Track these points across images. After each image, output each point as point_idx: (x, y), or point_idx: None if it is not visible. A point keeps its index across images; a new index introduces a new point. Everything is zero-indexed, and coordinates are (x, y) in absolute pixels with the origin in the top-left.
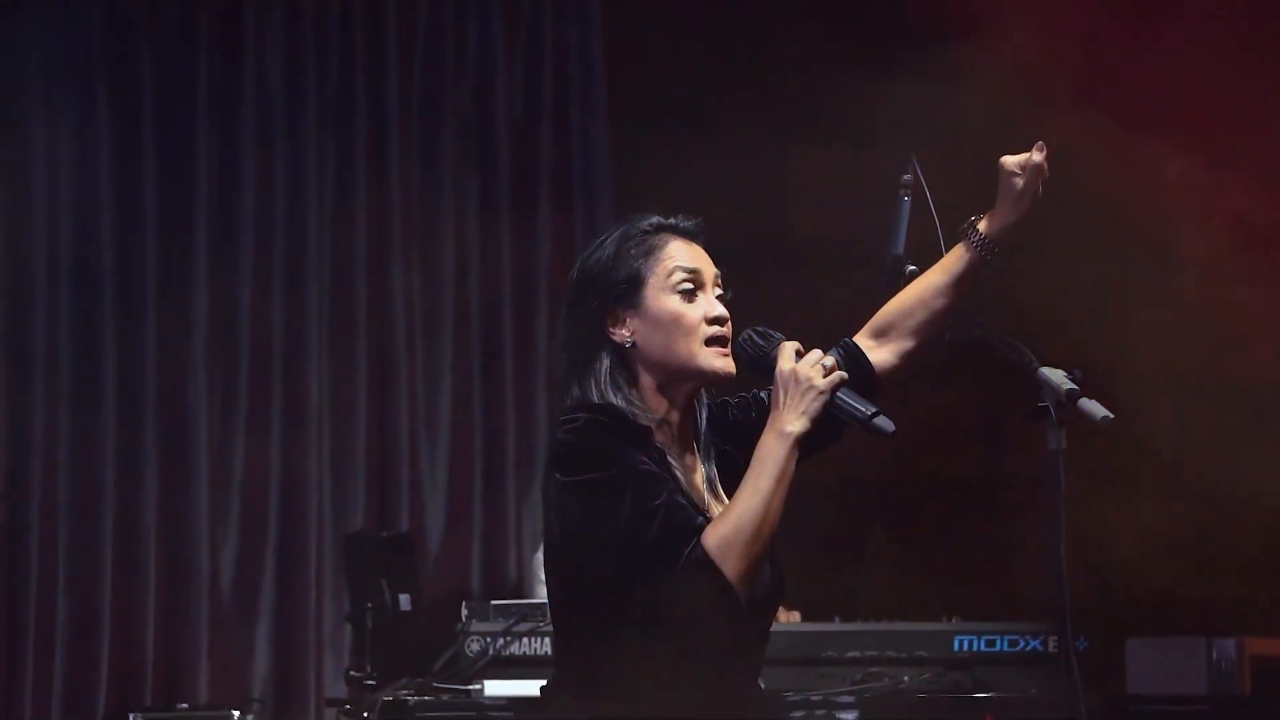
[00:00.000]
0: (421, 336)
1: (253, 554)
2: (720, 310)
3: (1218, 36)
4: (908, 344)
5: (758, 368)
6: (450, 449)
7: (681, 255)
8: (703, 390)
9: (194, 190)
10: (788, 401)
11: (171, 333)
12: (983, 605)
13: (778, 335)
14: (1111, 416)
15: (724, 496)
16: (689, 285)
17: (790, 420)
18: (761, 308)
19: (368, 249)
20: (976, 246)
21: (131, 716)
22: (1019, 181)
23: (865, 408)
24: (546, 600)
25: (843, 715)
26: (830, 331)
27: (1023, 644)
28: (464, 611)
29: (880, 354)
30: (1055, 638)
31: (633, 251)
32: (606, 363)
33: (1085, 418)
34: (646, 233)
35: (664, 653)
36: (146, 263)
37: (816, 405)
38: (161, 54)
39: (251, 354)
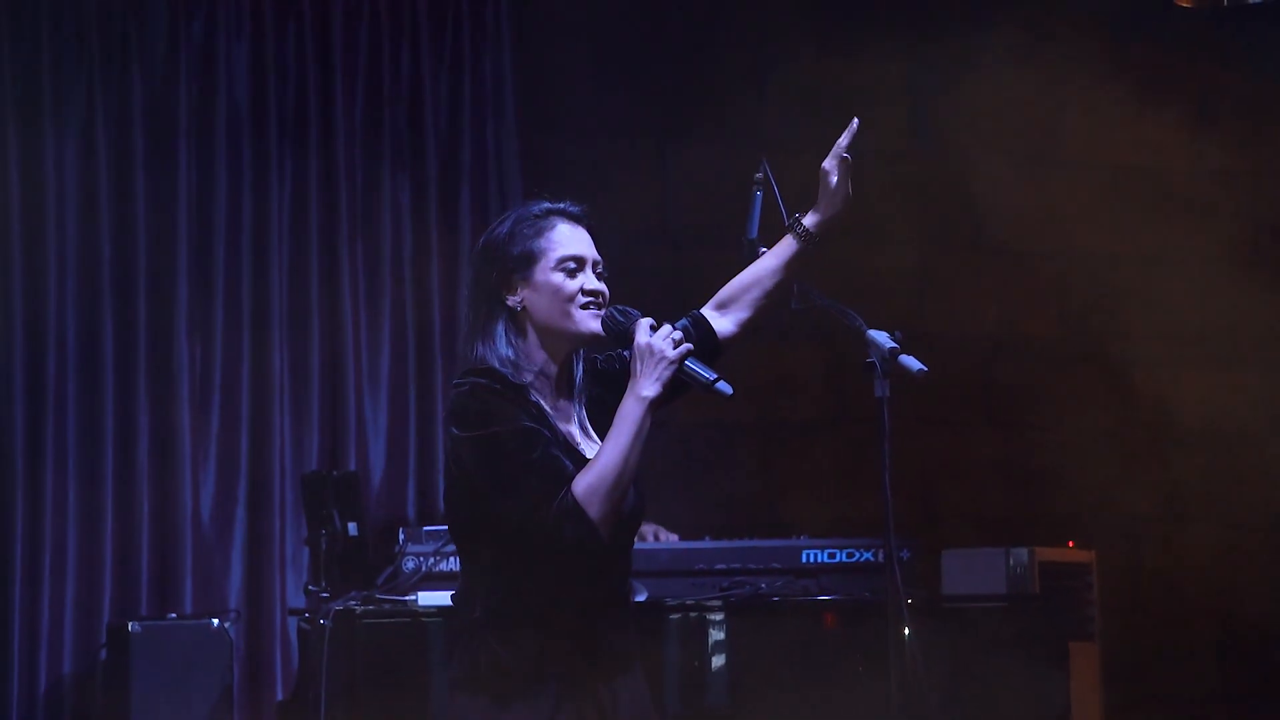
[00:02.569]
0: (365, 310)
1: (228, 490)
2: (595, 285)
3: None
4: (745, 314)
5: (620, 340)
6: (389, 402)
7: (567, 239)
8: (580, 350)
9: (176, 191)
10: (643, 370)
11: (159, 312)
12: (826, 524)
13: (635, 312)
14: (926, 369)
15: (594, 435)
16: (572, 266)
17: (646, 386)
18: (650, 278)
19: (319, 239)
20: (801, 236)
21: (131, 625)
22: (832, 179)
23: (709, 374)
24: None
25: (712, 616)
26: (700, 299)
27: (858, 555)
28: (401, 536)
29: (722, 322)
30: (884, 550)
31: (527, 232)
32: (501, 322)
33: (904, 370)
34: (539, 216)
35: (545, 569)
36: (138, 254)
37: (668, 373)
38: (149, 79)
39: (224, 327)
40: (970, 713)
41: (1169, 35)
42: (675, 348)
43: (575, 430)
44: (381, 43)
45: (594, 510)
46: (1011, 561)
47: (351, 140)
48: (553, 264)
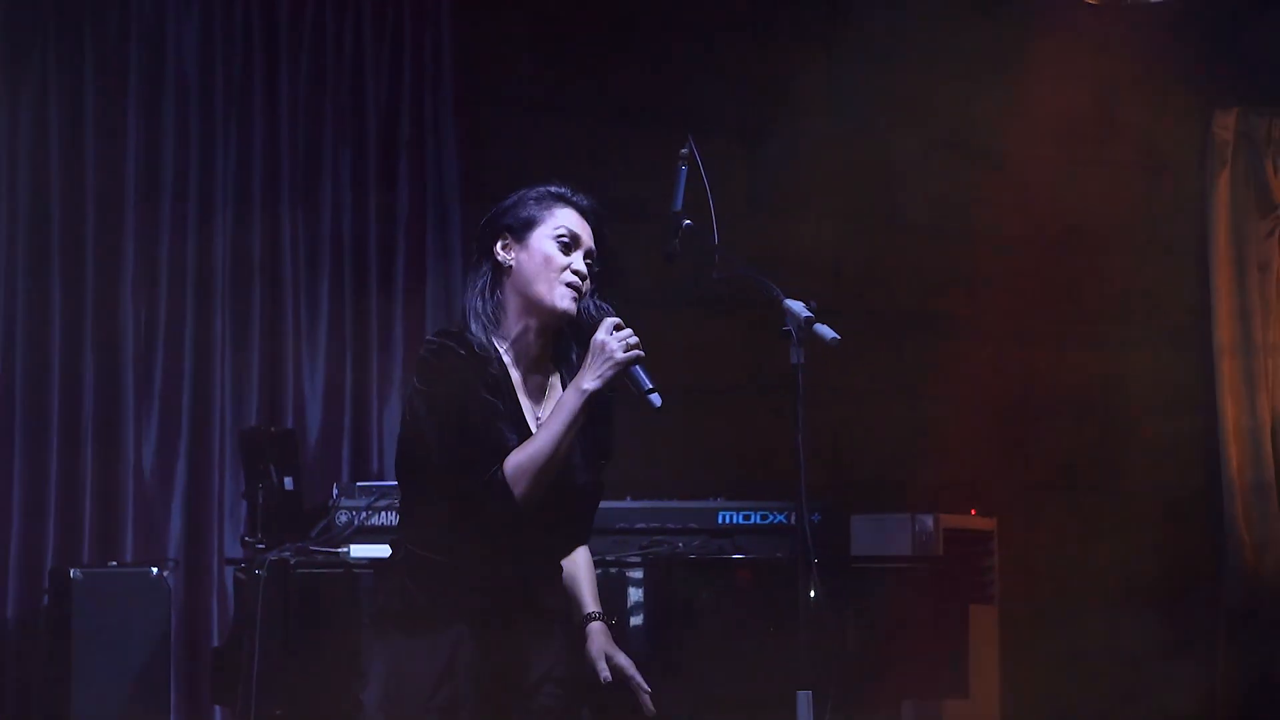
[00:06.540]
0: (304, 275)
1: (169, 444)
2: (581, 268)
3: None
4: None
5: (588, 331)
6: (326, 363)
7: (570, 219)
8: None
9: (124, 158)
10: (591, 364)
11: (105, 273)
12: (741, 487)
13: (608, 308)
14: (839, 338)
15: None
16: (566, 241)
17: (587, 380)
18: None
19: (262, 207)
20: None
21: (73, 572)
22: (591, 648)
23: (647, 383)
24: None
25: (632, 573)
26: (628, 269)
27: (771, 518)
28: (335, 491)
29: (569, 567)
30: (795, 513)
31: (533, 203)
32: (488, 275)
33: (818, 338)
34: (550, 194)
35: (468, 522)
36: (86, 216)
37: (610, 372)
38: (100, 49)
39: (169, 288)
40: (873, 667)
41: (1076, 29)
42: (627, 351)
43: (546, 409)
44: (325, 17)
45: (520, 488)
46: (917, 527)
47: (295, 110)
48: (550, 233)
